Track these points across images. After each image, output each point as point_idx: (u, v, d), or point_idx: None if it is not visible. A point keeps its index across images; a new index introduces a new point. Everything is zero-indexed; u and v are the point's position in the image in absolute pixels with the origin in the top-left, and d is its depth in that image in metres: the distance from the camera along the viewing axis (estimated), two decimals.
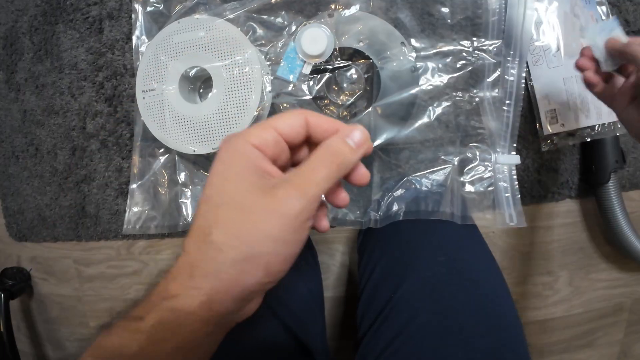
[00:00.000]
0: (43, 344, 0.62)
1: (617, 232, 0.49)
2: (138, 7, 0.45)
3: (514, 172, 0.40)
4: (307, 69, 0.41)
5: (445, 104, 0.42)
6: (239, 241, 0.17)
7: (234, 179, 0.18)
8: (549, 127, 0.48)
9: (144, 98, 0.43)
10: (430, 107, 0.42)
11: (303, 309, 0.37)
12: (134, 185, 0.47)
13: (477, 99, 0.41)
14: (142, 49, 0.47)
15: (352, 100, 0.43)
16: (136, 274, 0.58)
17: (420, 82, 0.41)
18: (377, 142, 0.42)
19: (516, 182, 0.40)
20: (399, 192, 0.41)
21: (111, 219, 0.56)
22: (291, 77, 0.42)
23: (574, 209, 0.53)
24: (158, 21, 0.46)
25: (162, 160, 0.47)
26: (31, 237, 0.60)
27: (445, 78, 0.41)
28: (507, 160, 0.40)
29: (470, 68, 0.41)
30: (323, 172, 0.18)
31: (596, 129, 0.48)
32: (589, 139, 0.48)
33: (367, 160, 0.45)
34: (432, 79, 0.42)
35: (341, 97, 0.43)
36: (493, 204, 0.39)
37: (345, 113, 0.45)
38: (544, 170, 0.51)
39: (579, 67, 0.36)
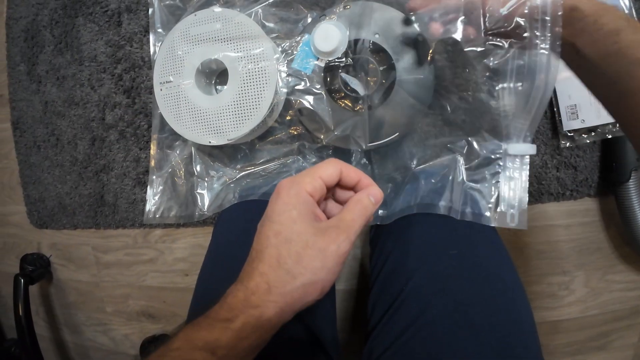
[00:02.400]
0: (60, 328, 0.64)
1: (637, 232, 0.48)
2: (154, 1, 0.46)
3: (527, 165, 0.37)
4: (322, 61, 0.41)
5: (462, 92, 0.41)
6: (306, 271, 0.23)
7: (299, 220, 0.24)
8: (569, 123, 0.47)
9: (161, 90, 0.44)
10: (448, 96, 0.41)
11: (316, 306, 0.37)
12: (153, 177, 0.48)
13: (497, 86, 0.39)
14: (159, 41, 0.47)
15: (368, 93, 0.43)
16: (152, 261, 0.59)
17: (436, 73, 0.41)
18: (392, 137, 0.42)
19: (526, 178, 0.36)
20: (405, 187, 0.41)
21: (129, 207, 0.57)
22: (306, 71, 0.42)
23: (592, 208, 0.52)
24: (175, 14, 0.47)
25: (179, 152, 0.48)
26: (51, 225, 0.62)
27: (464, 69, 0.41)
28: (521, 150, 0.36)
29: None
30: (359, 222, 0.25)
31: (618, 125, 0.47)
32: (610, 136, 0.47)
33: (371, 155, 0.44)
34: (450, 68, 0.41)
35: (356, 90, 0.43)
36: (497, 200, 0.37)
37: (359, 107, 0.45)
38: (563, 167, 0.50)
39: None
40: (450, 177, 0.39)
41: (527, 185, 0.36)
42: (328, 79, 0.43)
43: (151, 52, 0.48)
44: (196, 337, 0.23)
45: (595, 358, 0.56)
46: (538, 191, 0.51)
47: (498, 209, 0.36)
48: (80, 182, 0.59)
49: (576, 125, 0.46)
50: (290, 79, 0.42)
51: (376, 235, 0.44)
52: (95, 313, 0.63)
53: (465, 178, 0.39)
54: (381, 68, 0.42)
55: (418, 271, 0.33)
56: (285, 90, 0.42)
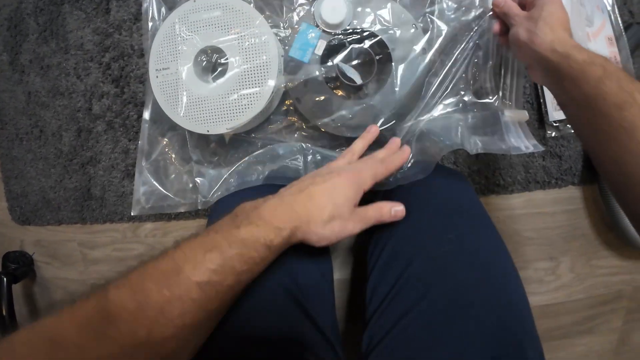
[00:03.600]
0: None
1: (620, 219, 0.50)
2: None
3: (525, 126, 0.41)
4: (319, 50, 0.42)
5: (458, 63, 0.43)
6: (332, 205, 0.32)
7: (347, 203, 0.33)
8: (554, 114, 0.49)
9: (157, 77, 0.43)
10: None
11: (315, 290, 0.37)
12: (142, 164, 0.47)
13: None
14: (154, 29, 0.47)
15: (363, 82, 0.43)
16: (142, 256, 0.58)
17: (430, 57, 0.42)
18: (391, 124, 0.42)
19: (526, 127, 0.41)
20: (415, 140, 0.41)
21: (117, 201, 0.56)
22: (304, 60, 0.42)
23: (576, 196, 0.54)
24: (167, 1, 0.46)
25: (171, 139, 0.47)
26: (35, 221, 0.59)
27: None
28: (515, 115, 0.40)
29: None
30: (373, 221, 0.35)
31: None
32: None
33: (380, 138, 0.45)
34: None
35: (353, 79, 0.44)
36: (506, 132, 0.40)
37: (354, 95, 0.45)
38: (549, 156, 0.52)
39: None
40: (456, 132, 0.40)
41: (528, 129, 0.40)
42: (324, 68, 0.43)
43: (142, 40, 0.47)
44: (237, 236, 0.28)
45: (582, 341, 0.58)
46: (525, 179, 0.53)
47: (511, 146, 0.39)
48: (66, 175, 0.57)
49: (561, 115, 0.48)
50: (288, 68, 0.42)
51: None
52: None
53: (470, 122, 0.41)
54: (377, 57, 0.43)
55: (417, 256, 0.34)
56: (284, 78, 0.42)
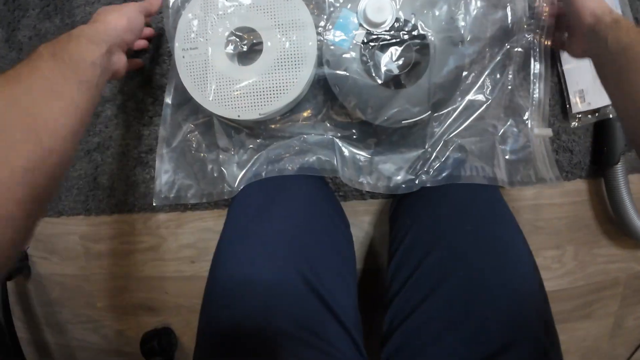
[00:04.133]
0: (41, 328, 0.57)
1: (622, 211, 0.54)
2: None
3: (548, 142, 0.44)
4: (359, 38, 0.41)
5: (494, 76, 0.44)
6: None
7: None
8: (579, 106, 0.51)
9: (183, 57, 0.41)
10: (480, 79, 0.44)
11: (335, 277, 0.37)
12: (163, 151, 0.44)
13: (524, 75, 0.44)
14: (172, 5, 0.44)
15: (400, 72, 0.44)
16: (153, 249, 0.55)
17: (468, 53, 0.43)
18: (423, 116, 0.43)
19: (550, 149, 0.44)
20: (448, 154, 0.42)
21: (128, 190, 0.52)
22: (344, 46, 0.41)
23: (582, 189, 0.57)
24: None
25: (196, 124, 0.45)
26: None
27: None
28: (542, 132, 0.43)
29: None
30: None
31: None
32: (611, 115, 0.52)
33: (415, 130, 0.45)
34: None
35: (391, 70, 0.44)
36: (533, 170, 0.42)
37: (392, 85, 0.45)
38: (562, 151, 0.55)
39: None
40: (493, 151, 0.42)
41: (552, 153, 0.43)
42: (363, 57, 0.42)
43: (163, 17, 0.44)
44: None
45: (580, 326, 0.62)
46: (538, 172, 0.56)
47: (536, 174, 0.42)
48: None
49: (584, 107, 0.51)
50: (326, 54, 0.42)
51: (396, 212, 0.45)
52: (83, 309, 0.56)
53: (502, 151, 0.42)
54: (415, 48, 0.43)
55: (437, 245, 0.35)
56: (322, 64, 0.41)
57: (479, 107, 0.44)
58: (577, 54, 0.42)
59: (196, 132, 0.45)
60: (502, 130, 0.44)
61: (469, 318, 0.30)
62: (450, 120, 0.44)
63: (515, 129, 0.44)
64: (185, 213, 0.54)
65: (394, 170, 0.44)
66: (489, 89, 0.44)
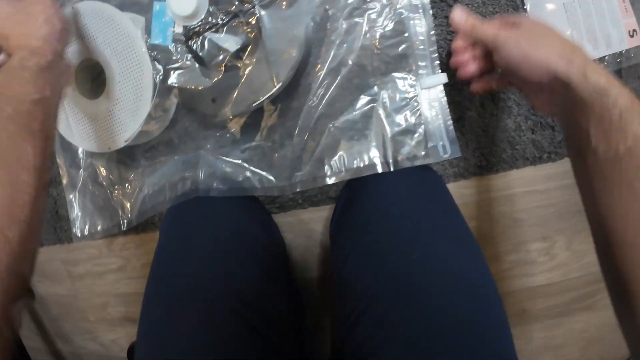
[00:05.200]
0: (53, 339, 0.66)
1: None
2: None
3: (443, 95, 0.36)
4: (178, 28, 0.36)
5: (356, 22, 0.37)
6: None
7: None
8: None
9: None
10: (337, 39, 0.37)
11: (263, 298, 0.36)
12: (70, 196, 0.46)
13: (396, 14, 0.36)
14: None
15: (237, 50, 0.38)
16: (121, 269, 0.58)
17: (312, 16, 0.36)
18: (276, 89, 0.37)
19: (446, 107, 0.36)
20: (324, 143, 0.38)
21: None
22: (166, 43, 0.37)
23: (571, 170, 0.47)
24: None
25: (84, 164, 0.45)
26: None
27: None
28: (432, 82, 0.36)
29: None
30: None
31: (606, 60, 0.41)
32: None
33: (283, 118, 0.40)
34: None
35: (228, 50, 0.38)
36: (425, 138, 0.36)
37: (232, 63, 0.39)
38: (539, 128, 0.45)
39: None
40: (373, 130, 0.36)
41: (449, 113, 0.36)
42: (195, 47, 0.38)
43: None
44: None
45: (581, 318, 0.55)
46: (512, 157, 0.47)
47: (429, 145, 0.35)
48: None
49: None
50: (159, 59, 0.38)
51: (336, 230, 0.42)
52: (80, 323, 0.63)
53: (388, 126, 0.36)
54: (246, 27, 0.37)
55: (379, 277, 0.31)
56: (157, 73, 0.38)
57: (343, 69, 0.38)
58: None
59: (89, 172, 0.46)
60: (382, 93, 0.37)
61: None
62: (313, 97, 0.38)
63: (398, 86, 0.37)
64: (138, 235, 0.55)
65: (264, 174, 0.40)
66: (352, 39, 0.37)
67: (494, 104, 0.45)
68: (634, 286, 0.23)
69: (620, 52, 0.40)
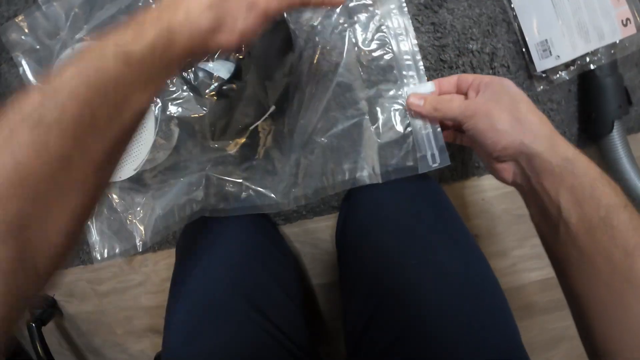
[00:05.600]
0: (85, 355, 0.70)
1: (629, 185, 0.43)
2: (21, 60, 0.43)
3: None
4: None
5: (343, 37, 0.37)
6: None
7: None
8: (542, 62, 0.41)
9: None
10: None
11: (282, 314, 0.38)
12: (88, 223, 0.48)
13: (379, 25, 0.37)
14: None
15: (229, 77, 0.38)
16: (142, 284, 0.62)
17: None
18: (269, 113, 0.39)
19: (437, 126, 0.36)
20: (316, 159, 0.39)
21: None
22: None
23: None
24: (41, 63, 0.44)
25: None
26: None
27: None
28: (419, 92, 0.36)
29: None
30: None
31: (599, 53, 0.40)
32: (592, 66, 0.40)
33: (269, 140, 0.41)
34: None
35: (221, 77, 0.39)
36: (413, 147, 0.36)
37: (225, 89, 0.40)
38: None
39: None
40: (362, 143, 0.37)
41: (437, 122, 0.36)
42: (189, 77, 0.39)
43: None
44: (107, 41, 0.21)
45: None
46: None
47: (418, 155, 0.36)
48: None
49: (550, 63, 0.40)
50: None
51: (339, 242, 0.44)
52: (108, 336, 0.67)
53: (376, 137, 0.37)
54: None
55: (382, 286, 0.33)
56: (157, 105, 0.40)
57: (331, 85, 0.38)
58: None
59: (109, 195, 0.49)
60: (370, 106, 0.38)
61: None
62: (305, 114, 0.39)
63: (386, 98, 0.37)
64: (156, 252, 0.58)
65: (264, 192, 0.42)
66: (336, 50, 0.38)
67: None
68: None
69: (614, 43, 0.39)
